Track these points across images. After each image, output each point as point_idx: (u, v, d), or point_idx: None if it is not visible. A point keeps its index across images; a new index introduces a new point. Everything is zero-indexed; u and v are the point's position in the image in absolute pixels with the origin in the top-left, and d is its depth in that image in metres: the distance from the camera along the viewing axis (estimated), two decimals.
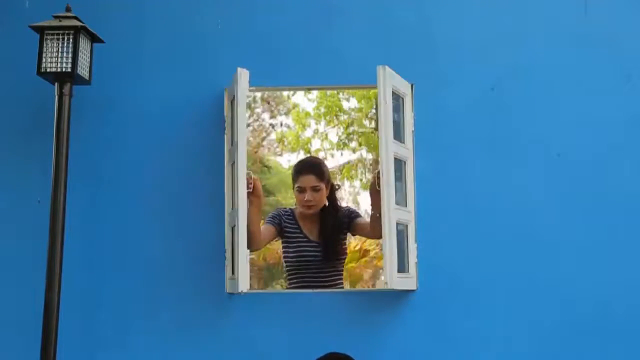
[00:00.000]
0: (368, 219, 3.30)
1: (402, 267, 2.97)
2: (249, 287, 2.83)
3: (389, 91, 2.94)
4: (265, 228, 3.25)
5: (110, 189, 3.23)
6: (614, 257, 3.14)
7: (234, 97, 3.04)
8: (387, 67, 2.93)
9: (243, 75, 2.99)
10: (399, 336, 3.07)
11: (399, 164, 3.05)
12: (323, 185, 3.17)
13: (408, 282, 3.00)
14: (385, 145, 2.87)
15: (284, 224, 3.25)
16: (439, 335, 3.06)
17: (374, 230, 3.13)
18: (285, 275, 3.04)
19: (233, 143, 3.03)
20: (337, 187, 3.22)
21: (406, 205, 3.06)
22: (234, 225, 2.91)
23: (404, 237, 3.03)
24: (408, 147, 3.10)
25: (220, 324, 3.10)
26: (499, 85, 3.27)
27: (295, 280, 3.30)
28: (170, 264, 3.16)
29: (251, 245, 3.02)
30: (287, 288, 3.42)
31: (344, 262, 3.39)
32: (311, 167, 3.18)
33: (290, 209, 3.37)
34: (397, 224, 2.92)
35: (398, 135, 3.05)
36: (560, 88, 3.27)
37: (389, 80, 2.95)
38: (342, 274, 3.37)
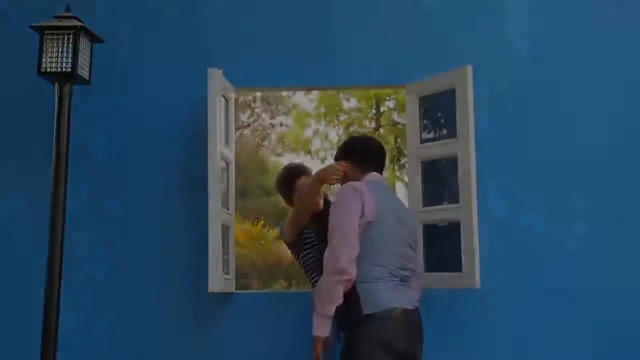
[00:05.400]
0: None
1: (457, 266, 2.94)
2: (221, 288, 2.87)
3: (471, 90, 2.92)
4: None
5: (110, 189, 3.24)
6: None
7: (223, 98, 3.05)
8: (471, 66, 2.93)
9: (214, 75, 2.98)
10: None
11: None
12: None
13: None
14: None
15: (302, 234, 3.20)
16: (441, 335, 3.07)
17: None
18: (310, 279, 3.02)
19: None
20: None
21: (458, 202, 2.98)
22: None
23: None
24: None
25: (211, 323, 3.12)
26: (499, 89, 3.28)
27: (316, 279, 3.25)
28: (170, 262, 3.18)
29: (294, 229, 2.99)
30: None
31: None
32: (298, 170, 3.14)
33: None
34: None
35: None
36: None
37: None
38: None
